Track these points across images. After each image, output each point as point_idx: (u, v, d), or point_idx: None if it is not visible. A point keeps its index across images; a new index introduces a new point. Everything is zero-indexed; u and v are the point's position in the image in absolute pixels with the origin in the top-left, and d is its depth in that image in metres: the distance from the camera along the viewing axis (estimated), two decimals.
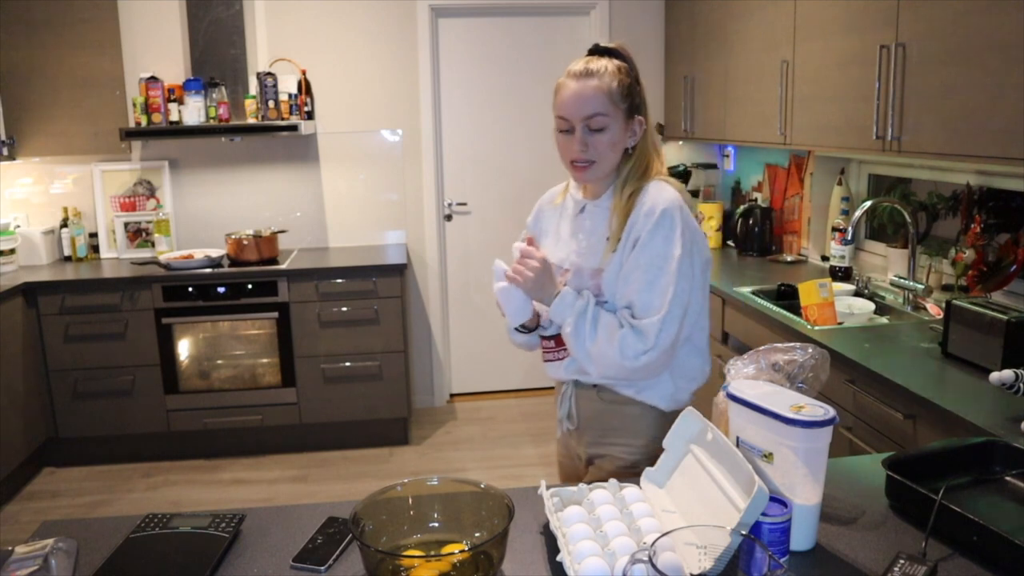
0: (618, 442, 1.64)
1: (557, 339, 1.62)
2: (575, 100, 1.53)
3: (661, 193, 1.54)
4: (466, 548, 1.12)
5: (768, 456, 1.13)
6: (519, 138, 4.44)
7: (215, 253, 3.91)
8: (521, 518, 1.24)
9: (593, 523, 1.16)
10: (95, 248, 4.14)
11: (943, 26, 2.11)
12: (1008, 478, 1.31)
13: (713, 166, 4.35)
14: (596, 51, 1.59)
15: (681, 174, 4.30)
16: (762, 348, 1.32)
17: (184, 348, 3.79)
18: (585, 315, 1.52)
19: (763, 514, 1.03)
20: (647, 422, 1.62)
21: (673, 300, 1.47)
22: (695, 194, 4.30)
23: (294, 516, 1.31)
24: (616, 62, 1.55)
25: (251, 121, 3.87)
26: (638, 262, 1.50)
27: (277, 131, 3.81)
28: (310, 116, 4.08)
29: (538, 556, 1.16)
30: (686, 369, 1.61)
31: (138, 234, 4.14)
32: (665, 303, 1.47)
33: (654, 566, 0.89)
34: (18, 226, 4.02)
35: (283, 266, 3.78)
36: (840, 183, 3.28)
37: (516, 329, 1.65)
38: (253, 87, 3.93)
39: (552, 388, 1.86)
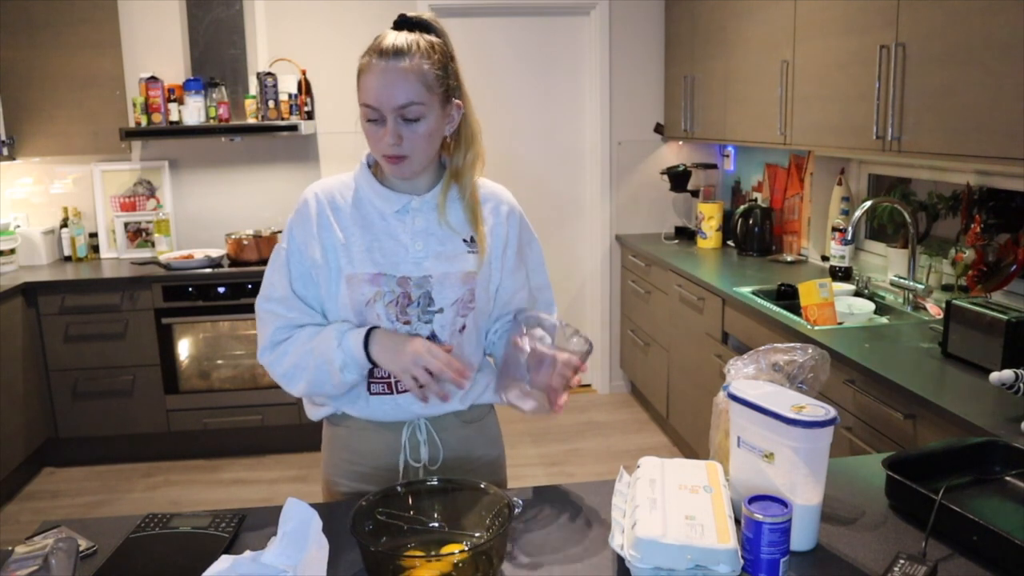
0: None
1: None
2: (384, 87, 1.28)
3: (497, 188, 1.51)
4: (466, 548, 1.12)
5: (769, 456, 1.13)
6: (519, 138, 4.44)
7: (215, 253, 3.91)
8: (521, 518, 1.24)
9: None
10: (95, 248, 4.14)
11: (943, 26, 2.11)
12: (1008, 478, 1.31)
13: (713, 166, 4.34)
14: (403, 23, 1.35)
15: (681, 174, 4.29)
16: (762, 348, 1.32)
17: (184, 348, 3.79)
18: None
19: (764, 514, 1.03)
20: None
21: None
22: (695, 194, 4.30)
23: None
24: (428, 37, 1.33)
25: (251, 121, 3.86)
26: (529, 264, 1.52)
27: (277, 131, 3.81)
28: (310, 116, 4.08)
29: (539, 555, 1.16)
30: None
31: (138, 234, 4.14)
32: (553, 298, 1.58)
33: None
34: (18, 226, 4.01)
35: None
36: (840, 183, 3.28)
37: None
38: (253, 87, 3.93)
39: None
